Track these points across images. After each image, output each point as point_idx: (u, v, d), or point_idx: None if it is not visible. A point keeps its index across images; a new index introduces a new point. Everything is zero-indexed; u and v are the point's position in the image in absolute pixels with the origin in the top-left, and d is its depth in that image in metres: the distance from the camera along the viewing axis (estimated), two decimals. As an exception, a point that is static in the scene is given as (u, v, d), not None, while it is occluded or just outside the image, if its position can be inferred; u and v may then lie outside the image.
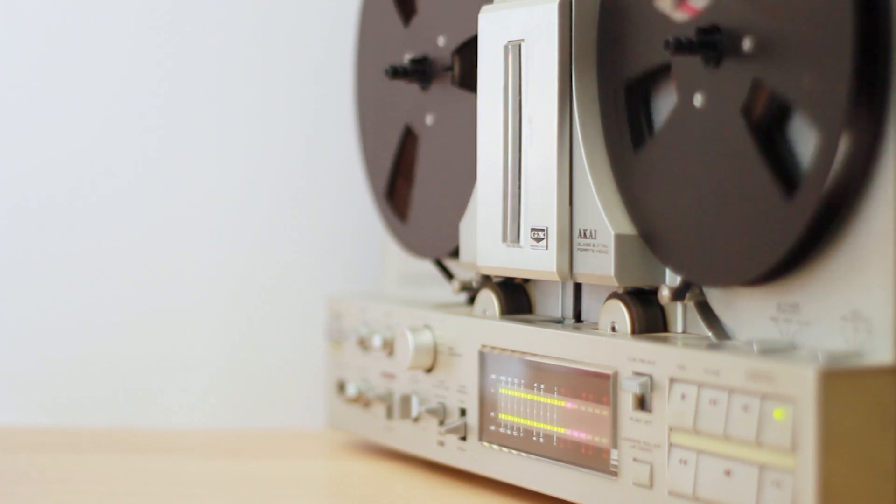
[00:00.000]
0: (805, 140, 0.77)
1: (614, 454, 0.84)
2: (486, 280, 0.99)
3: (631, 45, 0.86)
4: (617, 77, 0.87)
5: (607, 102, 0.88)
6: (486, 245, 0.95)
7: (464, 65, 1.01)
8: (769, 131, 0.78)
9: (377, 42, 1.12)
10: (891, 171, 0.73)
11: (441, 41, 1.03)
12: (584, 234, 0.88)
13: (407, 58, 1.05)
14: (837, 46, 0.73)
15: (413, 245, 1.08)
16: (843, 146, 0.73)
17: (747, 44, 0.77)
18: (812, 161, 0.75)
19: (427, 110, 1.05)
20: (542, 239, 0.90)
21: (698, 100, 0.81)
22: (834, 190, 0.74)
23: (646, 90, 0.87)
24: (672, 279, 0.86)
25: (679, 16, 0.81)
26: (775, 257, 0.77)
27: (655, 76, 0.85)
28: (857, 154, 0.73)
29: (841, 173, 0.73)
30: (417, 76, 1.04)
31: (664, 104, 0.85)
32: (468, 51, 1.00)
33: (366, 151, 1.14)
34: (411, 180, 1.08)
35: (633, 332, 0.86)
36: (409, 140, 1.08)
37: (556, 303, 0.96)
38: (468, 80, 1.00)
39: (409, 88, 1.06)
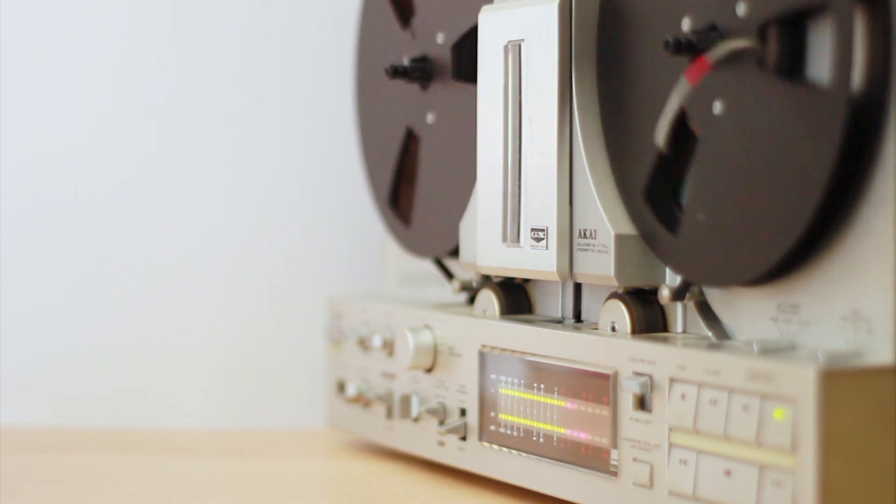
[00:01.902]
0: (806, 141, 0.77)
1: (614, 454, 0.84)
2: (486, 280, 0.99)
3: (631, 46, 0.86)
4: (617, 77, 0.87)
5: (607, 102, 0.88)
6: (486, 245, 0.95)
7: (462, 58, 1.01)
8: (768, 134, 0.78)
9: (377, 42, 1.12)
10: (891, 171, 0.73)
11: (440, 38, 1.03)
12: (584, 234, 0.88)
13: (406, 58, 1.05)
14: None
15: (413, 245, 1.08)
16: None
17: (741, 8, 0.77)
18: (808, 174, 0.75)
19: (427, 109, 1.05)
20: (542, 239, 0.90)
21: (717, 107, 0.81)
22: (831, 193, 0.74)
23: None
24: (672, 279, 0.86)
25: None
26: (775, 257, 0.77)
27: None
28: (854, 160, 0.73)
29: (838, 178, 0.73)
30: (417, 75, 1.04)
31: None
32: (466, 44, 1.00)
33: (367, 154, 1.14)
34: (413, 183, 1.08)
35: (633, 332, 0.86)
36: (410, 143, 1.08)
37: (556, 303, 0.96)
38: (466, 73, 1.00)
39: (410, 89, 1.06)
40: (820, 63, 0.75)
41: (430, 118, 1.05)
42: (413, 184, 1.08)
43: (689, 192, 0.83)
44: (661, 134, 0.79)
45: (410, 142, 1.08)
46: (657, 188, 0.85)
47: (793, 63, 0.76)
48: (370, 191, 1.14)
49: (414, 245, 1.08)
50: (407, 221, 1.08)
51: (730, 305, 0.82)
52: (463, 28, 1.00)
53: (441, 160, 1.04)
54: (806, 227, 0.75)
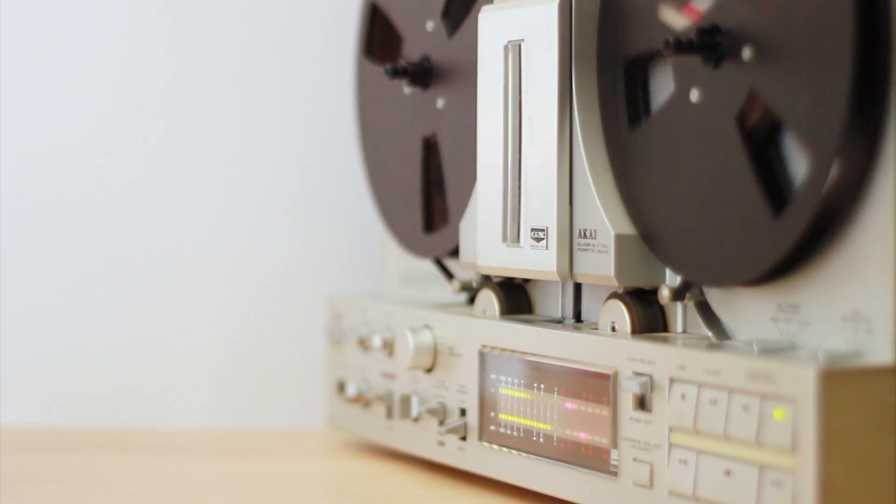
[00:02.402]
0: (801, 149, 0.77)
1: (614, 454, 0.84)
2: (486, 280, 0.99)
3: (630, 38, 0.86)
4: (617, 68, 0.87)
5: (607, 102, 0.88)
6: (486, 245, 0.95)
7: (456, 16, 1.01)
8: (765, 137, 0.78)
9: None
10: (891, 171, 0.73)
11: (430, 26, 1.03)
12: (584, 234, 0.88)
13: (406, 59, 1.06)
14: (836, 66, 0.72)
15: (413, 245, 1.08)
16: (836, 167, 0.73)
17: (747, 52, 0.77)
18: (806, 177, 0.75)
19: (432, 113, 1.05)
20: (542, 239, 0.90)
21: (695, 95, 0.81)
22: (830, 196, 0.74)
23: (645, 82, 0.87)
24: (672, 279, 0.86)
25: (682, 20, 0.81)
26: (775, 257, 0.77)
27: (655, 67, 0.85)
28: (851, 170, 0.73)
29: (837, 182, 0.73)
30: (418, 76, 1.04)
31: (663, 96, 0.85)
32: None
33: (368, 160, 1.13)
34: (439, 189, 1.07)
35: (633, 332, 0.86)
36: (430, 153, 1.07)
37: (556, 303, 0.96)
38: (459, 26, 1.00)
39: (414, 97, 1.06)
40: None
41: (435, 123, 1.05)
42: (440, 191, 1.07)
43: (689, 192, 0.83)
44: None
45: (429, 151, 1.07)
46: (657, 187, 0.85)
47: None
48: (370, 193, 1.14)
49: (414, 245, 1.08)
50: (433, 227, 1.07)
51: (730, 305, 0.82)
52: None
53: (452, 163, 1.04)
54: (806, 226, 0.75)
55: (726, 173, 0.79)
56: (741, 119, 0.78)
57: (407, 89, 1.06)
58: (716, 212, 0.80)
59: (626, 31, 0.86)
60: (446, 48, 1.03)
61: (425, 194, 1.06)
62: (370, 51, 1.13)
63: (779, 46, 0.76)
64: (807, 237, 0.75)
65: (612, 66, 0.87)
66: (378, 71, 1.09)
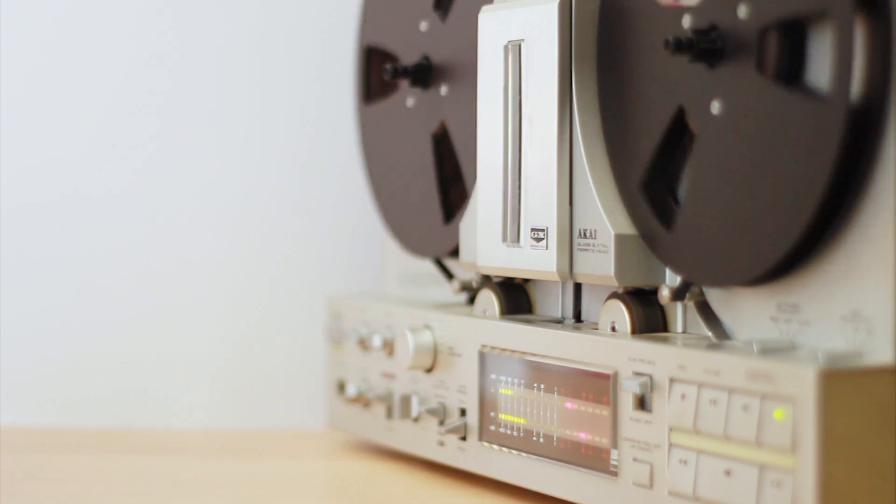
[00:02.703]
0: (806, 141, 0.77)
1: (614, 454, 0.84)
2: (486, 280, 0.99)
3: (631, 45, 0.86)
4: (617, 77, 0.87)
5: (607, 102, 0.88)
6: (486, 245, 0.95)
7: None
8: (768, 134, 0.78)
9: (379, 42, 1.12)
10: (891, 171, 0.73)
11: (423, 26, 1.03)
12: (584, 234, 0.88)
13: (423, 26, 1.05)
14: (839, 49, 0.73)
15: (413, 245, 1.08)
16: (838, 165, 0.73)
17: (742, 11, 0.77)
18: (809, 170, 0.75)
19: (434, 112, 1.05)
20: (542, 239, 0.90)
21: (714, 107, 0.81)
22: (831, 194, 0.74)
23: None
24: (672, 279, 0.86)
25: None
26: (775, 257, 0.77)
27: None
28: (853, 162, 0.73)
29: (838, 179, 0.73)
30: (418, 75, 1.04)
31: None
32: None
33: (369, 164, 1.14)
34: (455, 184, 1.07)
35: (633, 332, 0.86)
36: (441, 147, 1.07)
37: (556, 303, 0.96)
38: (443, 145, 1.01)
39: (417, 104, 1.06)
40: (820, 69, 0.75)
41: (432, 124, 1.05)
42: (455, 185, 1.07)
43: (688, 191, 0.83)
44: None
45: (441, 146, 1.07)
46: (655, 185, 0.85)
47: (792, 69, 0.76)
48: (371, 192, 1.14)
49: (414, 245, 1.08)
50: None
51: (730, 305, 0.82)
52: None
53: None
54: (806, 227, 0.75)
55: (726, 173, 0.79)
56: (761, 67, 0.77)
57: (410, 99, 1.06)
58: (716, 212, 0.80)
59: (626, 34, 0.86)
60: (443, 40, 1.03)
61: (441, 187, 1.05)
62: (369, 96, 1.12)
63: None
64: (807, 236, 0.75)
65: (612, 66, 0.87)
66: (378, 108, 1.10)
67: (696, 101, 0.81)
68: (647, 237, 0.86)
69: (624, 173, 0.87)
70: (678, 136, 0.83)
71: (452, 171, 1.04)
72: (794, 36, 0.76)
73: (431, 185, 1.05)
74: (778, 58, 0.76)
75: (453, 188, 1.05)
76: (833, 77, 0.73)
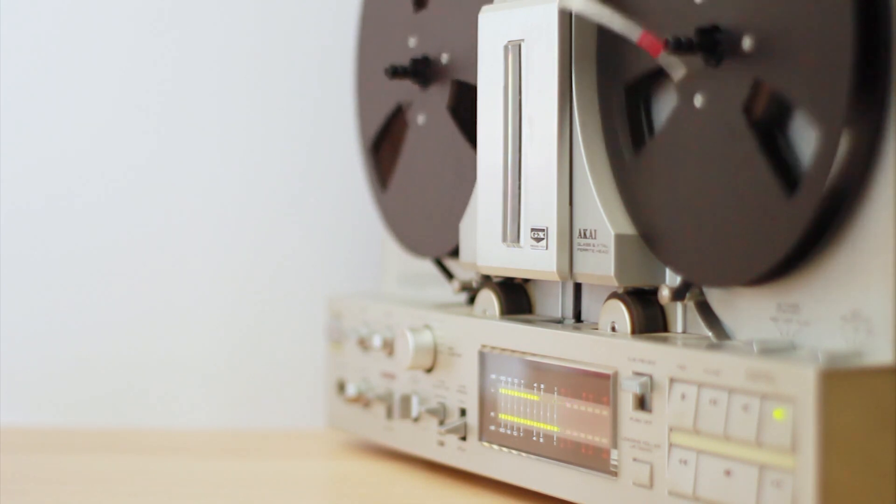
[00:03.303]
0: (806, 139, 0.77)
1: (614, 454, 0.84)
2: (486, 280, 0.99)
3: (630, 46, 0.86)
4: (617, 77, 0.87)
5: (607, 102, 0.88)
6: (486, 245, 0.95)
7: (458, 95, 1.02)
8: (770, 131, 0.78)
9: (379, 33, 1.12)
10: (891, 171, 0.73)
11: (444, 58, 1.03)
12: (584, 234, 0.88)
13: (412, 42, 1.05)
14: (838, 44, 0.73)
15: (413, 245, 1.08)
16: (844, 145, 0.73)
17: (747, 43, 0.77)
18: (812, 160, 0.75)
19: (421, 110, 1.05)
20: (542, 239, 0.90)
21: (698, 100, 0.81)
22: (834, 189, 0.74)
23: (646, 90, 0.87)
24: (672, 279, 0.86)
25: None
26: (775, 257, 0.77)
27: (656, 75, 0.85)
28: (858, 153, 0.73)
29: (841, 172, 0.73)
30: (418, 76, 1.04)
31: (664, 104, 0.85)
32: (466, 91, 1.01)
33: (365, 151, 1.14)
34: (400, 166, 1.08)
35: (633, 332, 0.86)
36: (398, 120, 1.07)
37: (556, 303, 0.96)
38: (461, 111, 1.00)
39: (410, 88, 1.06)
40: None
41: (420, 119, 1.05)
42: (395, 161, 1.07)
43: (690, 192, 0.83)
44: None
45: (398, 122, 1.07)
46: (657, 188, 0.85)
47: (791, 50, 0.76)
48: (371, 193, 1.14)
49: (414, 245, 1.08)
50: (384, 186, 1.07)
51: (730, 305, 0.82)
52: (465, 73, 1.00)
53: (433, 160, 1.04)
54: (806, 226, 0.75)
55: (727, 172, 0.79)
56: (747, 111, 0.78)
57: (420, 118, 1.06)
58: (716, 211, 0.80)
59: (625, 49, 0.86)
60: (436, 38, 1.03)
61: (471, 140, 1.05)
62: (384, 184, 1.12)
63: (779, 31, 0.76)
64: (807, 236, 0.75)
65: (612, 70, 0.87)
66: (378, 67, 1.09)
67: (695, 101, 0.81)
68: (648, 237, 0.86)
69: (624, 174, 0.87)
70: (679, 139, 0.83)
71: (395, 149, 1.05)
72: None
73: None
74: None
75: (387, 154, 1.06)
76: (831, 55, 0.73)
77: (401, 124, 1.09)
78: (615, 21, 0.81)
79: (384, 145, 1.12)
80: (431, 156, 1.05)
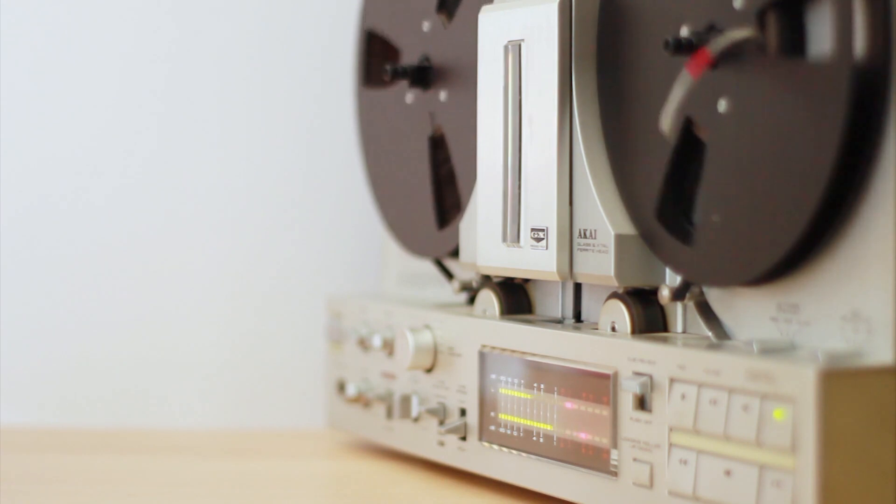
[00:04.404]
0: (806, 140, 0.77)
1: (614, 454, 0.84)
2: (486, 280, 0.99)
3: (631, 45, 0.86)
4: (617, 77, 0.87)
5: (607, 102, 0.88)
6: (486, 245, 0.95)
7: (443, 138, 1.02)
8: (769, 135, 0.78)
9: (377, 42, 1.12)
10: (891, 171, 0.73)
11: (426, 26, 1.03)
12: (584, 234, 0.88)
13: (426, 26, 1.05)
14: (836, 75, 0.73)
15: (413, 245, 1.08)
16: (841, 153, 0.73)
17: (738, 1, 0.77)
18: (809, 167, 0.75)
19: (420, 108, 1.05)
20: (542, 239, 0.90)
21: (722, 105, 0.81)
22: (831, 194, 0.74)
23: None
24: (672, 279, 0.86)
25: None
26: (775, 257, 0.77)
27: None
28: (854, 162, 0.73)
29: (839, 177, 0.73)
30: (418, 76, 1.04)
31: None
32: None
33: (368, 160, 1.14)
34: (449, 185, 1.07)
35: (633, 332, 0.86)
36: (437, 150, 1.07)
37: (556, 303, 0.96)
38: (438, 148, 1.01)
39: (416, 102, 1.06)
40: (821, 44, 0.75)
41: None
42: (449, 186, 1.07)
43: (692, 193, 0.83)
44: (667, 122, 0.78)
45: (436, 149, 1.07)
46: (664, 194, 0.85)
47: (794, 44, 0.76)
48: (371, 193, 1.14)
49: (414, 245, 1.08)
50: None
51: (730, 305, 0.82)
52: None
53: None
54: (806, 226, 0.75)
55: (728, 172, 0.79)
56: (761, 47, 0.77)
57: (409, 96, 1.06)
58: (716, 211, 0.80)
59: (626, 34, 0.86)
60: (445, 43, 1.03)
61: (436, 191, 1.05)
62: (369, 80, 1.12)
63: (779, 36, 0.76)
64: (807, 236, 0.75)
65: (612, 67, 0.87)
66: (377, 96, 1.09)
67: (701, 105, 0.81)
68: (648, 238, 0.86)
69: (625, 175, 0.87)
70: (688, 149, 0.83)
71: (448, 175, 1.05)
72: (792, 13, 0.76)
73: (427, 189, 1.05)
74: (779, 36, 0.76)
75: (448, 193, 1.05)
76: (834, 47, 0.73)
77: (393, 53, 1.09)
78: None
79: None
80: (418, 158, 1.05)
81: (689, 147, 0.83)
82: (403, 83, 1.06)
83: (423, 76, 1.04)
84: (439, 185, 1.05)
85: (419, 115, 1.06)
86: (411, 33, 1.07)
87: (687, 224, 0.83)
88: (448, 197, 1.05)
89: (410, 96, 1.06)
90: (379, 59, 1.11)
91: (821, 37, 0.75)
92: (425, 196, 1.06)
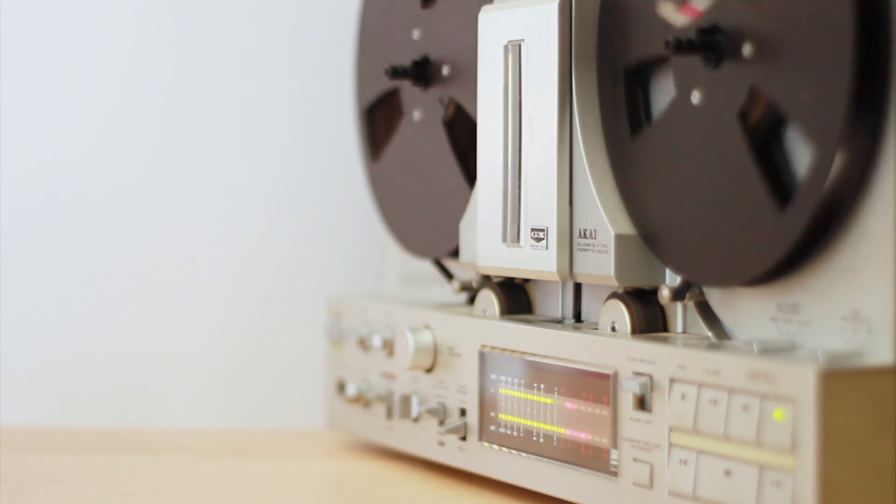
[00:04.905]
0: (804, 141, 0.77)
1: (614, 454, 0.84)
2: (486, 280, 0.99)
3: (631, 45, 0.86)
4: (617, 76, 0.87)
5: (607, 102, 0.88)
6: (486, 245, 0.95)
7: (457, 113, 1.02)
8: (767, 135, 0.78)
9: (377, 41, 1.12)
10: (891, 171, 0.73)
11: (445, 70, 1.03)
12: (584, 234, 0.88)
13: (416, 34, 1.05)
14: (837, 60, 0.72)
15: (413, 245, 1.08)
16: (838, 160, 0.73)
17: (747, 49, 0.77)
18: (808, 171, 0.75)
19: (418, 106, 1.05)
20: (542, 239, 0.90)
21: (696, 97, 0.81)
22: (831, 195, 0.74)
23: (646, 89, 0.87)
24: (672, 279, 0.86)
25: (681, 18, 0.81)
26: (775, 257, 0.77)
27: (656, 74, 0.85)
28: (853, 165, 0.73)
29: (838, 179, 0.73)
30: (418, 75, 1.04)
31: (664, 103, 0.85)
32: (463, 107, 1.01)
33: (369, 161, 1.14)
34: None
35: (633, 332, 0.86)
36: (395, 100, 1.08)
37: (556, 303, 0.96)
38: (456, 126, 1.01)
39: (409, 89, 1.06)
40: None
41: (416, 115, 1.05)
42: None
43: (690, 192, 0.83)
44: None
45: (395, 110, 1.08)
46: (657, 187, 0.85)
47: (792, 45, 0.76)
48: (371, 194, 1.14)
49: (414, 245, 1.08)
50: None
51: (730, 305, 0.82)
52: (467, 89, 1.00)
53: (428, 159, 1.04)
54: (806, 226, 0.75)
55: (727, 172, 0.79)
56: (743, 118, 0.78)
57: (416, 113, 1.06)
58: (716, 211, 0.80)
59: (626, 34, 0.86)
60: (439, 39, 1.03)
61: (463, 166, 1.04)
62: (375, 154, 1.12)
63: (779, 40, 0.76)
64: (807, 236, 0.75)
65: (612, 70, 0.87)
66: (386, 158, 1.10)
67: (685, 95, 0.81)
68: (648, 237, 0.86)
69: (625, 174, 0.87)
70: (680, 141, 0.83)
71: (467, 145, 1.04)
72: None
73: (454, 167, 1.04)
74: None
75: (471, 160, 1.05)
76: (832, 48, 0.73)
77: (396, 105, 1.09)
78: None
79: (378, 113, 1.11)
80: (427, 154, 1.05)
81: (688, 148, 0.83)
82: (406, 121, 1.06)
83: (423, 73, 1.04)
84: (465, 161, 1.04)
85: (428, 120, 1.05)
86: (404, 44, 1.07)
87: (687, 224, 0.83)
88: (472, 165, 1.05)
89: (417, 113, 1.06)
90: (382, 132, 1.11)
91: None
92: (452, 176, 1.04)
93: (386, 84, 1.09)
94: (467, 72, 1.00)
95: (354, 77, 1.14)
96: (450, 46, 1.03)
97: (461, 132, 1.03)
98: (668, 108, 0.83)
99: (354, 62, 1.15)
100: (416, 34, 1.06)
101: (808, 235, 0.75)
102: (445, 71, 1.03)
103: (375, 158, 1.11)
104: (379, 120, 1.12)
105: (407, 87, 1.07)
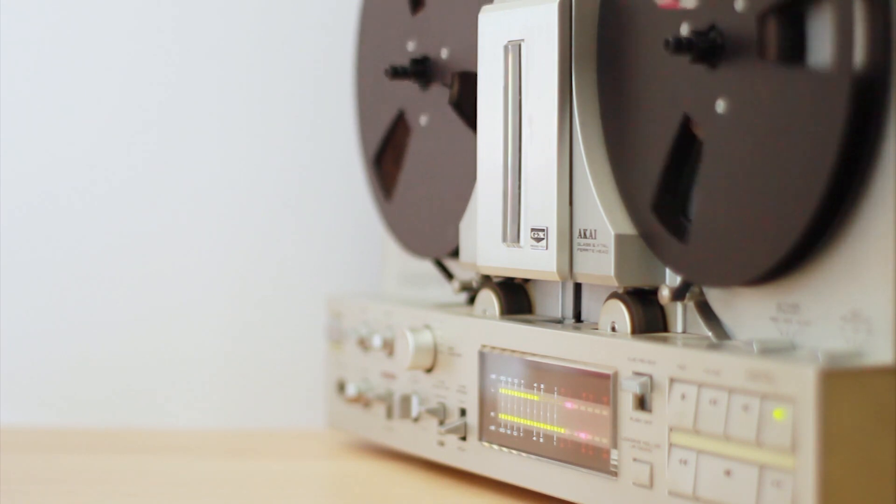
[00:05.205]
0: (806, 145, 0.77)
1: (614, 454, 0.84)
2: (486, 280, 0.99)
3: (631, 45, 0.86)
4: (617, 76, 0.87)
5: (607, 102, 0.88)
6: (486, 245, 0.95)
7: (463, 87, 1.01)
8: (766, 135, 0.78)
9: (378, 36, 1.12)
10: (891, 171, 0.73)
11: (444, 52, 1.03)
12: (584, 234, 0.88)
13: (410, 46, 1.05)
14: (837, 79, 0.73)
15: (413, 245, 1.08)
16: (838, 161, 0.73)
17: (739, 3, 0.77)
18: (808, 169, 0.75)
19: (423, 110, 1.05)
20: (542, 239, 0.90)
21: (701, 102, 0.81)
22: (831, 195, 0.74)
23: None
24: (672, 279, 0.86)
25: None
26: (775, 257, 0.77)
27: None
28: (853, 165, 0.73)
29: (839, 176, 0.73)
30: (418, 75, 1.04)
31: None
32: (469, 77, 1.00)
33: (363, 135, 1.14)
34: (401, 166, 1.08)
35: (633, 332, 0.86)
36: (400, 126, 1.08)
37: (556, 303, 0.96)
38: (465, 106, 1.00)
39: (412, 89, 1.06)
40: (821, 50, 0.75)
41: (423, 120, 1.05)
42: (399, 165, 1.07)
43: (695, 195, 0.83)
44: None
45: (400, 125, 1.07)
46: (662, 194, 0.85)
47: (793, 51, 0.76)
48: (371, 194, 1.14)
49: (414, 245, 1.08)
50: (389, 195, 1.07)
51: (730, 305, 0.82)
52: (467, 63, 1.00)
53: (435, 160, 1.04)
54: (806, 226, 0.75)
55: (727, 172, 0.79)
56: (740, 118, 0.78)
57: (423, 118, 1.06)
58: (716, 211, 0.80)
59: (626, 34, 0.86)
60: (434, 38, 1.03)
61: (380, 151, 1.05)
62: (388, 196, 1.12)
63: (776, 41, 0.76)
64: (807, 236, 0.75)
65: (612, 67, 0.87)
66: (378, 67, 1.09)
67: (700, 105, 0.81)
68: (648, 238, 0.86)
69: (625, 174, 0.87)
70: (685, 147, 0.83)
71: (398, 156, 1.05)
72: (793, 19, 0.76)
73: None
74: (779, 42, 0.76)
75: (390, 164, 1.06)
76: (835, 55, 0.73)
77: (402, 130, 1.09)
78: None
79: (386, 153, 1.11)
80: (435, 156, 1.05)
81: (688, 146, 0.83)
82: (413, 169, 1.07)
83: (424, 70, 1.04)
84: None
85: (435, 117, 1.05)
86: (401, 53, 1.07)
87: (686, 224, 0.83)
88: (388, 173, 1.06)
89: (424, 118, 1.06)
90: (390, 176, 1.11)
91: (822, 42, 0.75)
92: (463, 163, 1.04)
93: (391, 114, 1.09)
94: (468, 51, 1.00)
95: (357, 124, 1.14)
96: (445, 38, 1.03)
97: (471, 109, 1.02)
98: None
99: (354, 62, 1.15)
100: (410, 45, 1.06)
101: (808, 235, 0.75)
102: (444, 54, 1.03)
103: (388, 198, 1.11)
104: (387, 163, 1.11)
105: (409, 103, 1.07)
